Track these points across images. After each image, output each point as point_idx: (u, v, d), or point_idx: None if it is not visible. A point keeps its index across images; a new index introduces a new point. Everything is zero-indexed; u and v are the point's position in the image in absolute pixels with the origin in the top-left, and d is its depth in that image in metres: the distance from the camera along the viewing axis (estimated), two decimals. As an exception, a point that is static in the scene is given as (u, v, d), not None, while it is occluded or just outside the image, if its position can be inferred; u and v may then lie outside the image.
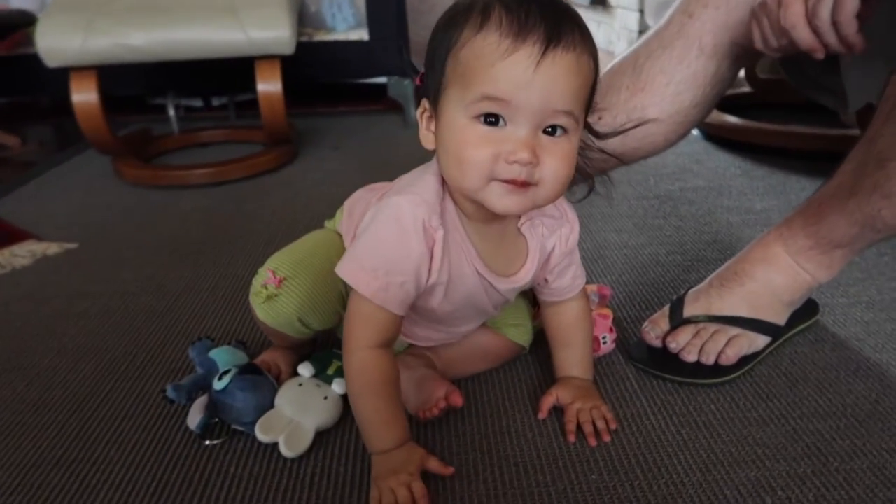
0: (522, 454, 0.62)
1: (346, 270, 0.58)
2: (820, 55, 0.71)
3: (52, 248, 1.17)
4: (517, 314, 0.76)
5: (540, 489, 0.58)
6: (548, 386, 0.70)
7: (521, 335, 0.76)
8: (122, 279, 1.02)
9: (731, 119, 1.63)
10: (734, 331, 0.74)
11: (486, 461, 0.61)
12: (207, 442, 0.65)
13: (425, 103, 0.57)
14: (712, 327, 0.74)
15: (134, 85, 2.01)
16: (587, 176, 0.63)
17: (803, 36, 0.70)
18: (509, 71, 0.49)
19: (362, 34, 1.91)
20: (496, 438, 0.65)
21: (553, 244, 0.64)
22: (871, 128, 0.65)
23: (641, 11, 2.46)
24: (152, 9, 1.41)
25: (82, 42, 1.37)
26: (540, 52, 0.49)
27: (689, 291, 0.79)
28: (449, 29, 0.53)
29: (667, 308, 0.78)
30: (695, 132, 1.69)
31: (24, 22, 1.78)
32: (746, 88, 1.86)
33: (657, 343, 0.76)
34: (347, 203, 0.73)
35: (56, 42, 1.37)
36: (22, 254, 1.15)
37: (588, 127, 0.59)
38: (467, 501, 0.57)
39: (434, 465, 0.59)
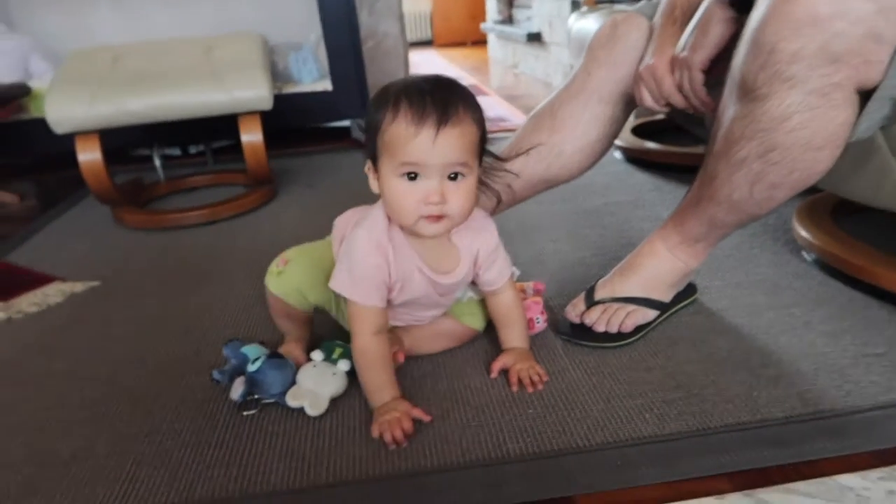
0: (480, 401, 0.87)
1: (339, 286, 0.84)
2: (692, 112, 1.00)
3: (78, 287, 1.36)
4: (471, 306, 1.00)
5: (493, 421, 0.83)
6: (496, 356, 0.94)
7: (476, 321, 1.00)
8: (148, 304, 1.24)
9: (649, 144, 1.93)
10: (632, 307, 1.00)
11: (454, 408, 0.86)
12: (245, 413, 0.87)
13: (369, 163, 0.81)
14: (616, 305, 1.00)
15: (120, 139, 2.20)
16: (497, 197, 0.91)
17: (678, 101, 0.99)
18: (417, 147, 0.73)
19: (326, 84, 2.16)
20: (461, 392, 0.89)
21: (478, 247, 0.89)
22: (705, 152, 0.93)
23: (571, 49, 2.78)
24: (147, 78, 1.64)
25: (87, 110, 1.58)
26: (434, 132, 0.73)
27: (599, 281, 1.05)
28: (377, 112, 0.76)
29: (583, 294, 1.04)
30: (618, 156, 1.99)
31: (21, 93, 1.98)
32: (661, 115, 2.17)
33: (577, 320, 1.01)
34: (334, 233, 0.95)
35: (64, 112, 1.58)
36: (52, 293, 1.34)
37: (492, 156, 0.86)
38: (443, 434, 0.81)
39: (418, 412, 0.83)
